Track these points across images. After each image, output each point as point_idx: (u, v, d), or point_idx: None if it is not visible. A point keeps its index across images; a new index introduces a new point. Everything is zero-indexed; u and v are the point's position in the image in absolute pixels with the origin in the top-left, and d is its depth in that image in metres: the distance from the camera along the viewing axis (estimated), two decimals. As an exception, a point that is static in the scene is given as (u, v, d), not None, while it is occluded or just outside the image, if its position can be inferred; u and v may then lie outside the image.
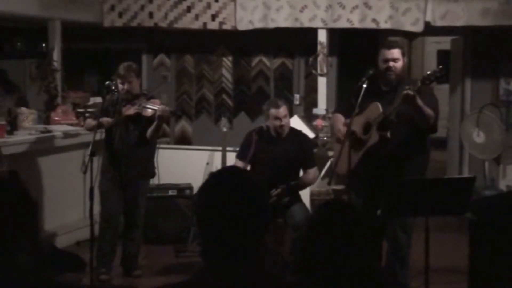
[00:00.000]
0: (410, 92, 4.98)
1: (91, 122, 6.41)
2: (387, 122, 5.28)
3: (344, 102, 6.23)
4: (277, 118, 6.06)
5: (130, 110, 6.17)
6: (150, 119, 6.13)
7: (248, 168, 6.09)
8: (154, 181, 7.98)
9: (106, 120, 6.22)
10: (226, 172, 2.25)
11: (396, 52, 5.44)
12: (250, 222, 2.07)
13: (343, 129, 5.51)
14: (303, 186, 6.31)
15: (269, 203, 2.28)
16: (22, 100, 8.40)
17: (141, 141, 6.25)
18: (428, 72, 5.08)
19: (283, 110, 6.09)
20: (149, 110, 6.11)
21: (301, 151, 6.17)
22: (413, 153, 5.41)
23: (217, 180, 2.13)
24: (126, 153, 6.25)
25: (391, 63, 5.41)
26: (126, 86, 6.21)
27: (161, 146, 8.62)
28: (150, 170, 6.52)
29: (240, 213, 2.05)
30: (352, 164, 5.28)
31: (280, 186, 5.98)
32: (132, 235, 6.46)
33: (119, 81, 6.23)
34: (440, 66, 5.09)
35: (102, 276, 6.26)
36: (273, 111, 6.07)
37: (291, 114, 8.44)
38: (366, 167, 5.42)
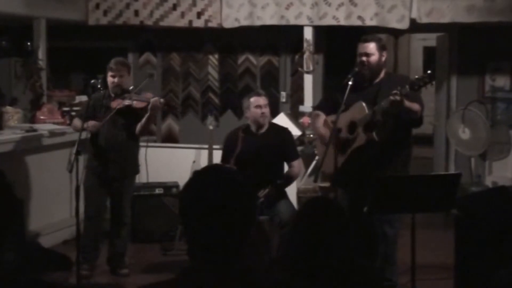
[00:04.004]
0: (398, 98, 4.99)
1: (77, 123, 6.28)
2: (373, 123, 5.28)
3: (325, 99, 6.24)
4: (258, 106, 6.10)
5: (120, 103, 6.10)
6: (140, 113, 6.09)
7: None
8: (141, 180, 7.95)
9: (92, 124, 6.09)
10: (210, 170, 2.25)
11: (370, 47, 5.44)
12: (235, 220, 2.07)
13: (324, 131, 5.52)
14: (290, 181, 6.31)
15: (254, 200, 2.28)
16: (2, 98, 8.35)
17: (129, 136, 6.22)
18: (417, 77, 5.05)
19: (263, 99, 6.14)
20: (141, 102, 6.05)
21: (283, 144, 6.19)
22: (398, 148, 5.44)
23: (202, 178, 2.12)
24: (113, 148, 6.20)
25: (364, 58, 5.42)
26: (116, 80, 6.15)
27: (148, 144, 8.61)
28: (135, 167, 6.50)
29: (225, 211, 2.05)
30: (338, 163, 5.29)
31: (268, 186, 5.97)
32: (119, 233, 6.43)
33: (110, 74, 6.17)
34: (429, 71, 5.06)
35: (83, 272, 6.20)
36: (254, 99, 6.13)
37: (277, 112, 8.47)
38: (353, 166, 5.42)
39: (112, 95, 6.19)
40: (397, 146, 5.43)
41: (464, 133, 8.31)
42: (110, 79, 6.18)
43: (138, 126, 6.15)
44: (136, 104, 6.07)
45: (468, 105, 8.29)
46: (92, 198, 6.31)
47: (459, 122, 8.35)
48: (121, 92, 6.15)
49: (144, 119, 6.10)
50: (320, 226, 2.83)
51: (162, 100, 6.16)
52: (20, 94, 8.49)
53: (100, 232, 6.44)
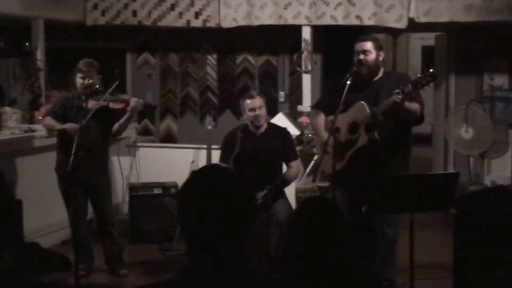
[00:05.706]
0: (398, 100, 4.97)
1: (51, 122, 6.24)
2: (374, 123, 5.26)
3: (324, 98, 6.21)
4: (252, 109, 6.07)
5: (97, 104, 6.03)
6: (117, 113, 6.10)
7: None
8: (139, 180, 7.97)
9: (72, 126, 6.03)
10: (208, 170, 2.24)
11: (367, 45, 5.42)
12: (234, 220, 2.06)
13: (325, 135, 5.50)
14: (289, 182, 6.30)
15: (253, 200, 2.27)
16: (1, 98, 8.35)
17: (101, 136, 6.22)
18: (419, 75, 5.01)
19: (257, 101, 6.08)
20: (119, 103, 6.08)
21: (283, 144, 6.17)
22: (397, 148, 5.42)
23: (199, 178, 2.11)
24: (85, 148, 5.97)
25: (361, 56, 5.40)
26: (87, 81, 6.14)
27: (147, 144, 8.62)
28: (105, 163, 6.48)
29: (223, 210, 2.04)
30: (341, 164, 5.28)
31: (266, 187, 5.95)
32: (108, 233, 6.42)
33: (79, 75, 6.18)
34: (431, 70, 5.04)
35: (79, 271, 6.18)
36: (247, 102, 6.08)
37: (276, 112, 8.46)
38: (355, 166, 5.41)
39: (83, 96, 6.17)
40: (396, 146, 5.42)
41: (467, 133, 8.29)
42: (79, 80, 6.19)
43: (116, 126, 6.18)
44: (113, 105, 6.09)
45: (469, 104, 8.29)
46: (68, 201, 6.29)
47: (462, 121, 8.32)
48: (92, 93, 6.13)
49: (123, 120, 6.13)
50: (317, 225, 2.82)
51: (141, 100, 6.17)
52: (18, 95, 8.49)
53: (88, 234, 6.46)
